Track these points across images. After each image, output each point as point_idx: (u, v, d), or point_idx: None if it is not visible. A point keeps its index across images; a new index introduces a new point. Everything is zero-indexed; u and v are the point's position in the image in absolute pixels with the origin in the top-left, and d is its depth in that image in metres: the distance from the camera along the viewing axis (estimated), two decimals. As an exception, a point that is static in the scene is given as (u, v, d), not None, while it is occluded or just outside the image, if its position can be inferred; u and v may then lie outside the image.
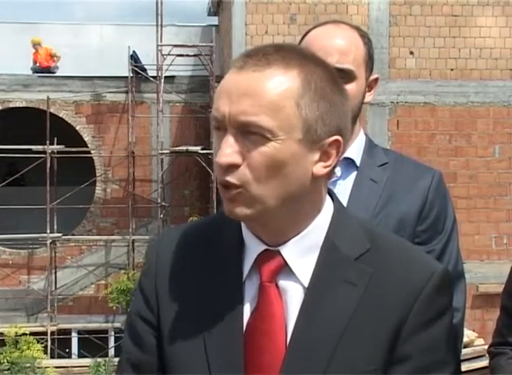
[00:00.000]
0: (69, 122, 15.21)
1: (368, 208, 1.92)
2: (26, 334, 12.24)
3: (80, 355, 14.38)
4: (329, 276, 1.27)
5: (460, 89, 12.05)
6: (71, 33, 15.82)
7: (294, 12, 11.92)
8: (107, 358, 12.02)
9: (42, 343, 12.74)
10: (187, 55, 14.54)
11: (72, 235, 15.13)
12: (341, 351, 1.23)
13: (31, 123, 15.97)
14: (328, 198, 1.33)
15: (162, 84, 14.20)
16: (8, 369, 11.29)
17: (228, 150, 1.21)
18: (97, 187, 15.32)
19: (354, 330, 1.24)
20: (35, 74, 15.25)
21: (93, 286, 14.91)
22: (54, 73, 15.33)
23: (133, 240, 14.62)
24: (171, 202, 14.94)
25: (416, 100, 12.07)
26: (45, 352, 12.72)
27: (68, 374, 12.00)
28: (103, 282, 14.77)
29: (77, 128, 15.23)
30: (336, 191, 1.38)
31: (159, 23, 14.46)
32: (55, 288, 14.60)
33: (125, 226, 14.82)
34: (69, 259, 14.92)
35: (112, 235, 15.05)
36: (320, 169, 1.25)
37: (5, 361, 11.43)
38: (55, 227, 14.59)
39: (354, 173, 1.98)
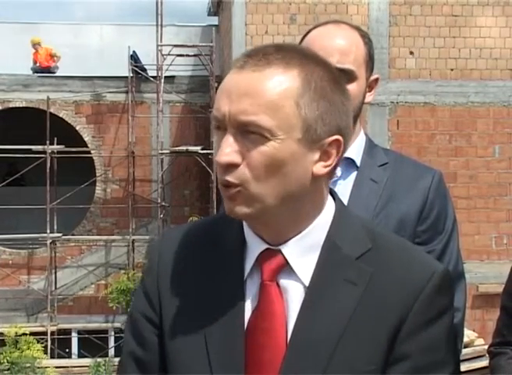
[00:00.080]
0: (69, 122, 15.21)
1: (369, 209, 1.92)
2: (26, 334, 12.23)
3: (80, 355, 14.38)
4: (330, 275, 1.27)
5: (460, 89, 12.05)
6: (71, 33, 15.82)
7: (294, 12, 11.92)
8: (107, 359, 12.02)
9: (42, 343, 12.73)
10: (187, 55, 14.54)
11: (72, 235, 15.13)
12: (341, 350, 1.23)
13: (31, 123, 15.98)
14: (329, 198, 1.33)
15: (162, 84, 14.20)
16: (8, 369, 11.29)
17: (227, 149, 1.21)
18: (97, 187, 15.33)
19: (354, 329, 1.24)
20: (35, 74, 15.26)
21: (93, 286, 14.92)
22: (54, 73, 15.33)
23: (133, 240, 14.63)
24: (171, 202, 14.94)
25: (416, 100, 12.08)
26: (45, 352, 12.72)
27: (68, 374, 12.00)
28: (103, 282, 14.77)
29: (77, 128, 15.23)
30: (336, 191, 1.38)
31: (159, 23, 14.46)
32: (55, 288, 14.60)
33: (125, 226, 14.82)
34: (69, 259, 14.92)
35: (112, 235, 15.05)
36: (320, 168, 1.25)
37: (5, 361, 11.43)
38: (55, 227, 14.60)
39: (354, 173, 1.98)
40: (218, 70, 14.33)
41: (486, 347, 2.36)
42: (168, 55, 14.24)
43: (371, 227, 1.35)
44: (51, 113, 14.77)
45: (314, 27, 2.01)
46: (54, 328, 14.34)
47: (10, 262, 14.90)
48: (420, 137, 12.05)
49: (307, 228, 1.28)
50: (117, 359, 12.03)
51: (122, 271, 14.29)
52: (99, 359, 11.90)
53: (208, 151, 13.78)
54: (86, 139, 15.28)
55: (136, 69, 14.89)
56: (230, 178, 1.22)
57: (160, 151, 14.14)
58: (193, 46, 14.67)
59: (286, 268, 1.28)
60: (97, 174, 15.29)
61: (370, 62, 1.98)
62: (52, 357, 13.60)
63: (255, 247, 1.30)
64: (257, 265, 1.29)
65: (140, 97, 15.08)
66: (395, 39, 11.99)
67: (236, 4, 12.07)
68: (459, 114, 12.12)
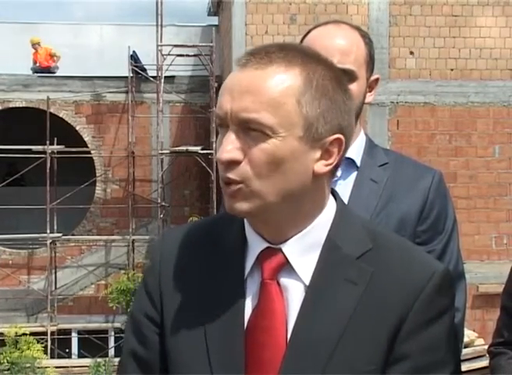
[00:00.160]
0: (69, 122, 15.21)
1: (369, 209, 1.92)
2: (26, 334, 12.22)
3: (80, 355, 14.38)
4: (330, 274, 1.27)
5: (460, 89, 12.05)
6: (71, 33, 15.81)
7: (294, 12, 11.93)
8: (107, 359, 12.01)
9: (42, 343, 12.72)
10: (187, 55, 14.54)
11: (72, 235, 15.13)
12: (341, 349, 1.23)
13: (31, 123, 15.98)
14: (331, 198, 1.33)
15: (162, 84, 14.20)
16: (8, 369, 11.28)
17: (229, 146, 1.22)
18: (97, 187, 15.33)
19: (354, 328, 1.24)
20: (35, 74, 15.25)
21: (93, 286, 14.92)
22: (54, 73, 15.33)
23: (133, 240, 14.63)
24: (171, 202, 14.94)
25: (416, 100, 12.08)
26: (45, 352, 12.71)
27: (68, 374, 11.99)
28: (103, 282, 14.77)
29: (77, 128, 15.23)
30: (336, 191, 1.39)
31: (159, 23, 14.46)
32: (55, 288, 14.60)
33: (125, 226, 14.82)
34: (69, 259, 14.92)
35: (112, 235, 15.05)
36: (321, 167, 1.26)
37: (5, 361, 11.42)
38: (55, 227, 14.60)
39: (355, 174, 1.98)
40: (218, 70, 14.33)
41: (486, 347, 2.36)
42: (168, 55, 14.24)
43: (371, 227, 1.35)
44: (51, 113, 14.77)
45: (315, 27, 2.01)
46: (54, 328, 14.34)
47: (10, 262, 14.90)
48: (420, 137, 12.05)
49: (308, 227, 1.28)
50: (117, 359, 12.01)
51: (122, 271, 14.29)
52: (99, 359, 11.89)
53: (208, 151, 13.78)
54: (86, 139, 15.28)
55: (136, 69, 14.89)
56: (232, 175, 1.22)
57: (160, 151, 14.14)
58: (193, 46, 14.67)
59: (286, 267, 1.28)
60: (97, 174, 15.29)
61: (370, 62, 1.98)
62: (52, 357, 13.60)
63: (256, 245, 1.30)
64: (257, 263, 1.29)
65: (140, 97, 15.08)
66: (395, 39, 11.99)
67: (236, 4, 12.07)
68: (459, 114, 12.12)
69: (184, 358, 1.30)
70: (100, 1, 46.22)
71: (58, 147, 14.62)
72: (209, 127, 14.28)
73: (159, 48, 14.24)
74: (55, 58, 15.42)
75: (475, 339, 8.12)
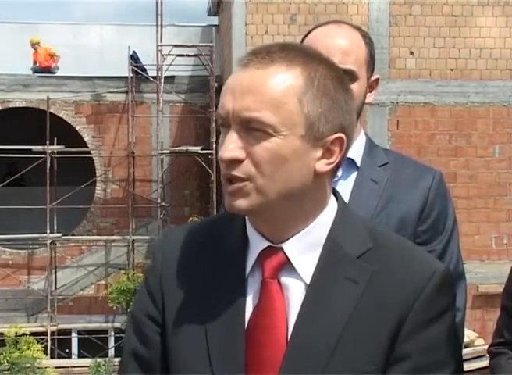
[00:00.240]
0: (69, 122, 15.21)
1: (369, 209, 1.92)
2: (26, 334, 12.22)
3: (80, 356, 14.37)
4: (331, 273, 1.27)
5: (460, 89, 12.05)
6: (71, 34, 15.81)
7: (294, 12, 11.93)
8: (107, 359, 12.00)
9: (42, 343, 12.72)
10: (187, 55, 14.54)
11: (72, 235, 15.13)
12: (341, 349, 1.23)
13: (31, 123, 15.98)
14: (332, 197, 1.34)
15: (162, 84, 14.20)
16: (8, 370, 11.28)
17: (231, 145, 1.23)
18: (97, 187, 15.32)
19: (355, 328, 1.24)
20: (35, 74, 15.25)
21: (93, 286, 14.91)
22: (54, 73, 15.32)
23: (133, 240, 14.62)
24: (171, 202, 14.94)
25: (416, 100, 12.08)
26: (45, 352, 12.71)
27: (68, 374, 11.99)
28: (103, 282, 14.76)
29: (77, 128, 15.23)
30: (336, 191, 1.39)
31: (159, 23, 14.46)
32: (55, 288, 14.60)
33: (125, 227, 14.81)
34: (69, 259, 14.92)
35: (112, 235, 15.05)
36: (323, 166, 1.26)
37: (5, 361, 11.42)
38: (55, 227, 14.59)
39: (355, 174, 1.98)
40: (218, 70, 14.33)
41: (486, 347, 2.36)
42: (168, 55, 14.24)
43: (372, 227, 1.35)
44: (51, 113, 14.77)
45: (316, 27, 2.01)
46: (54, 328, 14.33)
47: (10, 262, 14.89)
48: (420, 137, 12.05)
49: (309, 226, 1.29)
50: (117, 359, 12.02)
51: (122, 271, 14.29)
52: (99, 359, 11.89)
53: (208, 152, 13.78)
54: (86, 139, 15.27)
55: (136, 69, 14.89)
56: (237, 172, 1.23)
57: (160, 151, 14.14)
58: (193, 46, 14.67)
59: (287, 266, 1.28)
60: (97, 174, 15.29)
61: (371, 62, 1.98)
62: (52, 357, 13.59)
63: (257, 244, 1.30)
64: (258, 262, 1.30)
65: (140, 97, 15.08)
66: (395, 39, 11.99)
67: (236, 4, 12.07)
68: (459, 114, 12.12)
69: (185, 358, 1.30)
70: (100, 1, 46.25)
71: (58, 147, 14.62)
72: (209, 127, 14.28)
73: (159, 48, 14.23)
74: (55, 58, 15.41)
75: (475, 339, 8.13)
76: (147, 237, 14.66)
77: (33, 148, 14.63)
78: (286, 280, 1.28)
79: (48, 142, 14.36)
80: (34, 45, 15.27)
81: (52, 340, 14.21)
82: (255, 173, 1.22)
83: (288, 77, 1.23)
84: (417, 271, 1.28)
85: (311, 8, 11.89)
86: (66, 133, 14.55)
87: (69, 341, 14.70)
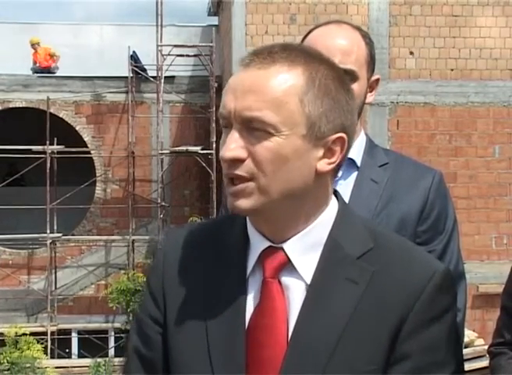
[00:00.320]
0: (69, 122, 15.21)
1: (369, 209, 1.92)
2: (26, 334, 12.22)
3: (80, 356, 14.37)
4: (331, 273, 1.28)
5: (460, 89, 12.05)
6: (71, 34, 15.80)
7: (294, 12, 11.93)
8: (107, 359, 12.01)
9: (42, 343, 12.72)
10: (187, 56, 14.54)
11: (72, 235, 15.13)
12: (341, 349, 1.24)
13: (31, 123, 15.97)
14: (333, 197, 1.34)
15: (162, 84, 14.20)
16: (8, 370, 11.28)
17: (232, 145, 1.23)
18: (97, 187, 15.32)
19: (355, 328, 1.24)
20: (35, 74, 15.24)
21: (93, 286, 14.91)
22: (54, 73, 15.32)
23: (133, 240, 14.62)
24: (171, 202, 14.93)
25: (416, 100, 12.08)
26: (45, 352, 12.70)
27: (68, 374, 11.99)
28: (103, 282, 14.76)
29: (77, 128, 15.23)
30: (336, 191, 1.39)
31: (159, 23, 14.45)
32: (55, 288, 14.59)
33: (125, 227, 14.81)
34: (69, 259, 14.92)
35: (112, 235, 15.05)
36: (324, 165, 1.27)
37: (5, 361, 11.42)
38: (55, 227, 14.59)
39: (355, 174, 1.98)
40: (218, 70, 14.33)
41: (486, 347, 2.36)
42: (169, 55, 14.23)
43: (372, 227, 1.35)
44: (51, 113, 14.77)
45: (316, 27, 2.01)
46: (54, 328, 14.33)
47: (10, 262, 14.89)
48: (420, 137, 12.05)
49: (310, 226, 1.29)
50: (117, 359, 12.04)
51: (122, 271, 14.28)
52: (99, 359, 11.89)
53: (208, 152, 13.78)
54: (86, 139, 15.27)
55: (136, 69, 14.88)
56: (238, 172, 1.23)
57: (160, 152, 14.13)
58: (193, 46, 14.66)
59: (288, 266, 1.29)
60: (97, 174, 15.29)
61: (371, 62, 1.99)
62: (52, 357, 13.59)
63: (258, 244, 1.30)
64: (259, 262, 1.30)
65: (140, 97, 15.08)
66: (395, 39, 11.99)
67: (236, 4, 12.07)
68: (459, 114, 12.12)
69: (185, 358, 1.30)
70: (100, 1, 46.25)
71: (58, 147, 14.62)
72: (209, 127, 14.28)
73: (159, 48, 14.23)
74: (55, 58, 15.40)
75: (475, 339, 8.13)
76: (147, 237, 14.66)
77: (33, 148, 14.63)
78: (286, 280, 1.28)
79: (47, 142, 14.36)
80: (34, 45, 15.27)
81: (52, 340, 14.21)
82: (257, 173, 1.23)
83: (289, 77, 1.23)
84: (418, 271, 1.28)
85: (311, 8, 11.89)
86: (66, 134, 14.55)
87: (69, 341, 14.70)
